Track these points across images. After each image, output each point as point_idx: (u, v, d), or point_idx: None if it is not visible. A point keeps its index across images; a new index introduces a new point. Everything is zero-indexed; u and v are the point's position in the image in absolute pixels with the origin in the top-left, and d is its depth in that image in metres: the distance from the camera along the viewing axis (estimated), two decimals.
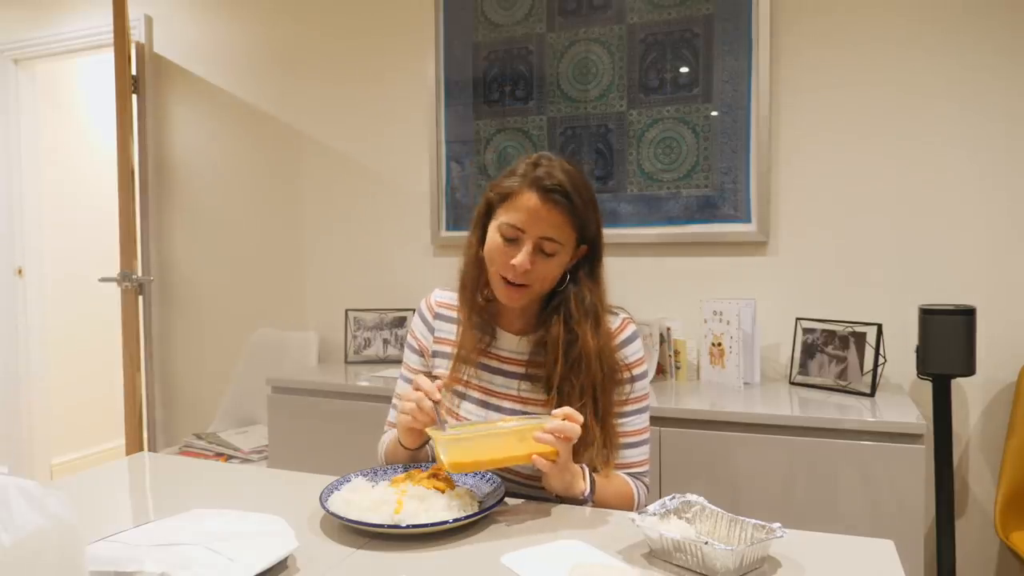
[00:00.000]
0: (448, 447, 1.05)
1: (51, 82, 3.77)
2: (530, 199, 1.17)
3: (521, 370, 1.27)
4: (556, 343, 1.21)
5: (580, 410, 1.15)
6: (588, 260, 1.26)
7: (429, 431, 1.10)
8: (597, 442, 1.18)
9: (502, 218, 1.20)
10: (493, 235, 1.21)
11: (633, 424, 1.26)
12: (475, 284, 1.27)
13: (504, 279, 1.20)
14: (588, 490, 1.14)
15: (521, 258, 1.16)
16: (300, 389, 2.30)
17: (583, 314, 1.22)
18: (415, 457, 1.26)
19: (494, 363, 1.29)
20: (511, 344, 1.29)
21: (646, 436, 1.29)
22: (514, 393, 1.26)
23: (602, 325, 1.23)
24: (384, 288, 2.74)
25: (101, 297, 3.62)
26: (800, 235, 2.24)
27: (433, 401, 1.11)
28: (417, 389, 1.13)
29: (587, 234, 1.23)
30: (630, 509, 1.19)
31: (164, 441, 3.15)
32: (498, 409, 1.26)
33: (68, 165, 3.89)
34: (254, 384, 2.72)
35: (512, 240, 1.18)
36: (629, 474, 1.26)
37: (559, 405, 1.18)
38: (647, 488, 1.29)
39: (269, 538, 0.92)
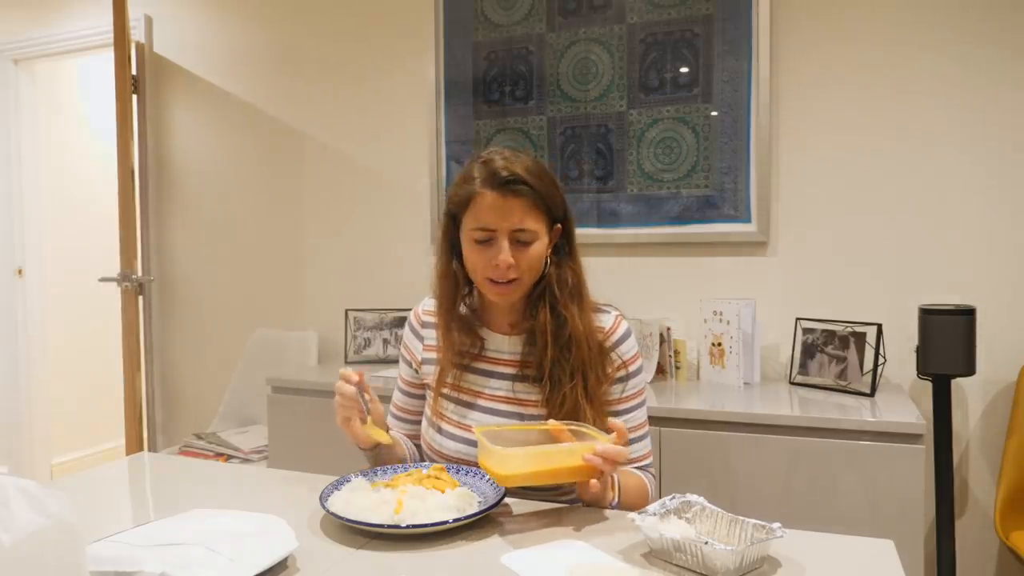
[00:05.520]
0: (503, 460, 1.03)
1: (51, 82, 3.77)
2: (492, 198, 1.17)
3: (514, 370, 1.27)
4: (544, 329, 1.22)
5: (571, 391, 1.18)
6: (563, 239, 1.27)
7: (479, 435, 1.08)
8: (587, 421, 1.19)
9: (471, 225, 1.20)
10: (468, 244, 1.22)
11: (635, 419, 1.28)
12: (452, 297, 1.28)
13: (491, 280, 1.20)
14: (616, 499, 1.15)
15: (504, 256, 1.17)
16: (300, 389, 2.30)
17: (567, 295, 1.23)
18: (380, 460, 1.27)
19: (487, 366, 1.29)
20: (502, 345, 1.29)
21: (647, 429, 1.30)
22: (509, 395, 1.26)
23: (585, 303, 1.25)
24: (384, 288, 2.74)
25: (101, 297, 3.62)
26: (800, 235, 2.24)
27: (348, 382, 1.16)
28: (341, 378, 1.17)
29: (556, 213, 1.23)
30: (646, 502, 1.20)
31: (164, 441, 3.15)
32: (493, 412, 1.26)
33: (68, 165, 3.89)
34: (254, 384, 2.72)
35: (486, 242, 1.19)
36: (637, 467, 1.27)
37: (551, 389, 1.20)
38: (654, 478, 1.30)
39: (269, 538, 0.92)
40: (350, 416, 1.17)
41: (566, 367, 1.21)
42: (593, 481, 1.04)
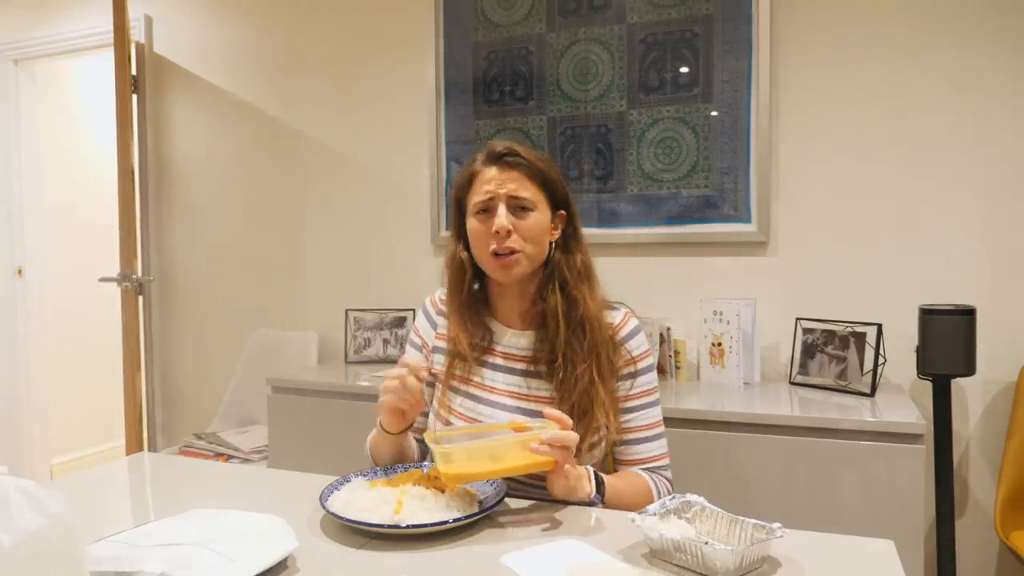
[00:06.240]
0: (447, 458, 1.03)
1: (51, 82, 3.77)
2: (489, 171, 1.24)
3: (525, 366, 1.27)
4: (556, 311, 1.23)
5: (584, 372, 1.19)
6: (569, 226, 1.30)
7: (428, 442, 1.09)
8: (604, 402, 1.19)
9: (472, 200, 1.25)
10: (470, 222, 1.25)
11: (644, 418, 1.27)
12: (458, 284, 1.29)
13: (494, 255, 1.22)
14: (594, 491, 1.13)
15: (500, 220, 1.20)
16: (300, 389, 2.30)
17: (577, 277, 1.25)
18: (399, 446, 1.24)
19: (497, 360, 1.29)
20: (512, 339, 1.29)
21: (660, 430, 1.28)
22: (518, 390, 1.26)
23: (595, 287, 1.28)
24: (384, 288, 2.74)
25: (101, 297, 3.62)
26: (800, 235, 2.24)
27: (418, 379, 1.13)
28: (403, 366, 1.14)
29: (557, 194, 1.27)
30: (648, 502, 1.16)
31: (164, 441, 3.15)
32: (503, 407, 1.25)
33: (68, 165, 3.89)
34: (254, 384, 2.72)
35: (486, 212, 1.23)
36: (646, 469, 1.26)
37: (564, 371, 1.21)
38: (669, 483, 1.27)
39: (269, 538, 0.92)
40: (404, 408, 1.16)
41: (579, 349, 1.21)
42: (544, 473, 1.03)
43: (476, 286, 1.31)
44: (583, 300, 1.23)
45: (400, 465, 1.21)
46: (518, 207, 1.22)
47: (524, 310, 1.29)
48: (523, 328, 1.29)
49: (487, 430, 1.16)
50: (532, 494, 1.19)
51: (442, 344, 1.33)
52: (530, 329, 1.28)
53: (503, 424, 1.17)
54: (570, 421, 1.08)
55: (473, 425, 1.22)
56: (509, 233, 1.20)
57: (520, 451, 1.04)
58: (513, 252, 1.21)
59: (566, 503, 1.14)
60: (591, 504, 1.13)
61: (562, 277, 1.25)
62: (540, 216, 1.23)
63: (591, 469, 1.15)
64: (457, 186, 1.29)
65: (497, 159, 1.24)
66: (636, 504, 1.15)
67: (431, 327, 1.36)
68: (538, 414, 1.21)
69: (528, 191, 1.23)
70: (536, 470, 1.06)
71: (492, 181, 1.22)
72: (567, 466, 1.06)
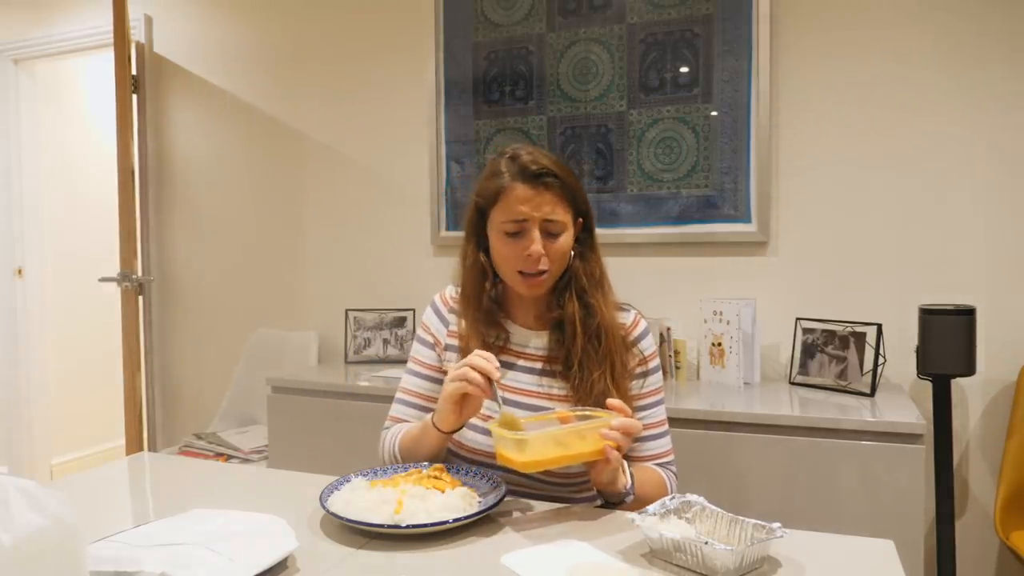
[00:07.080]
0: (520, 446, 1.04)
1: (51, 82, 3.77)
2: (523, 190, 1.20)
3: (541, 365, 1.28)
4: (573, 319, 1.24)
5: (599, 378, 1.20)
6: (586, 232, 1.30)
7: (492, 427, 1.09)
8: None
9: (499, 218, 1.22)
10: (496, 238, 1.24)
11: (655, 416, 1.29)
12: (479, 288, 1.29)
13: (521, 274, 1.22)
14: (630, 483, 1.15)
15: (536, 246, 1.19)
16: (300, 389, 2.30)
17: (594, 286, 1.26)
18: (444, 444, 1.22)
19: (514, 360, 1.29)
20: (528, 339, 1.30)
21: (667, 427, 1.32)
22: (534, 389, 1.26)
23: (609, 294, 1.28)
24: (384, 288, 2.74)
25: (101, 297, 3.62)
26: (800, 235, 2.24)
27: (495, 378, 1.10)
28: (472, 367, 1.09)
29: (580, 206, 1.26)
30: (665, 494, 1.20)
31: (164, 441, 3.15)
32: (522, 406, 1.25)
33: (68, 165, 3.89)
34: (254, 384, 2.72)
35: (517, 234, 1.21)
36: (657, 464, 1.28)
37: (580, 377, 1.22)
38: (676, 476, 1.31)
39: (269, 538, 0.92)
40: (471, 399, 1.12)
41: (595, 356, 1.23)
42: (611, 450, 1.03)
43: (492, 288, 1.31)
44: (599, 307, 1.24)
45: (400, 465, 1.21)
46: (550, 231, 1.21)
47: (540, 312, 1.30)
48: (539, 328, 1.30)
49: (537, 419, 1.16)
50: (533, 494, 1.20)
51: (455, 342, 1.32)
52: (546, 329, 1.29)
53: (549, 415, 1.16)
54: (629, 411, 1.09)
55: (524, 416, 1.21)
56: (542, 257, 1.20)
57: (579, 439, 1.06)
58: (542, 272, 1.22)
59: (567, 502, 1.15)
60: (624, 495, 1.14)
61: (580, 286, 1.25)
62: (568, 236, 1.24)
63: (625, 463, 1.16)
64: (480, 194, 1.26)
65: (531, 178, 1.19)
66: (656, 497, 1.15)
67: (443, 324, 1.35)
68: None
69: (560, 214, 1.21)
70: (598, 457, 1.07)
71: (527, 203, 1.19)
72: (615, 454, 1.06)
